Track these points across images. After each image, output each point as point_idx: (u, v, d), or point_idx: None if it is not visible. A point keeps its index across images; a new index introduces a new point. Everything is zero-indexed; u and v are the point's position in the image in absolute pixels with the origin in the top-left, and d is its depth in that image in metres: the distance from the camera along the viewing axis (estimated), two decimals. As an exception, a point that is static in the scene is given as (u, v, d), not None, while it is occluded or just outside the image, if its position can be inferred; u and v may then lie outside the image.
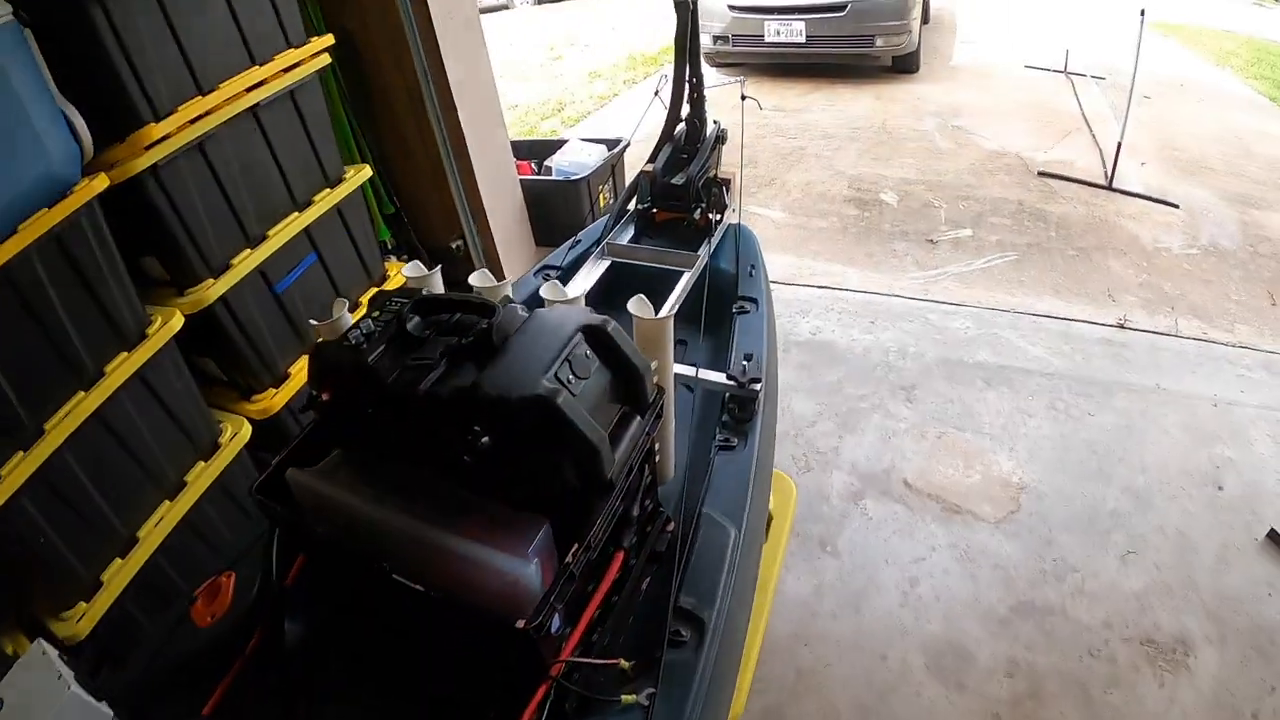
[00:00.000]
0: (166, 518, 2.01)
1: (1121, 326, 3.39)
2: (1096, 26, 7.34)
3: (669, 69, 2.12)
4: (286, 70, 2.31)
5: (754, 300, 1.92)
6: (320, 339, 1.22)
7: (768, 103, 6.37)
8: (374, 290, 2.82)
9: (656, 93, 2.22)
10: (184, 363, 2.10)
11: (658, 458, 1.29)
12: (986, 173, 4.85)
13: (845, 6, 6.26)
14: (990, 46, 8.20)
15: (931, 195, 4.53)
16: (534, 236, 3.93)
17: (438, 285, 1.42)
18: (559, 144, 4.21)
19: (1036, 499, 2.62)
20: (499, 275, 3.70)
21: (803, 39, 6.42)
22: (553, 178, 3.91)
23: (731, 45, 6.73)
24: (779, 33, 6.45)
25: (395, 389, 1.04)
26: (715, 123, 2.31)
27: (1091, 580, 2.36)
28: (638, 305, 1.27)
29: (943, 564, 2.44)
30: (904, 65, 6.86)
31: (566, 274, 2.07)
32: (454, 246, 3.49)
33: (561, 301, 1.29)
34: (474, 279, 1.41)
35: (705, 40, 6.78)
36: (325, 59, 2.47)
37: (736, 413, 1.61)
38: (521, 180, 3.80)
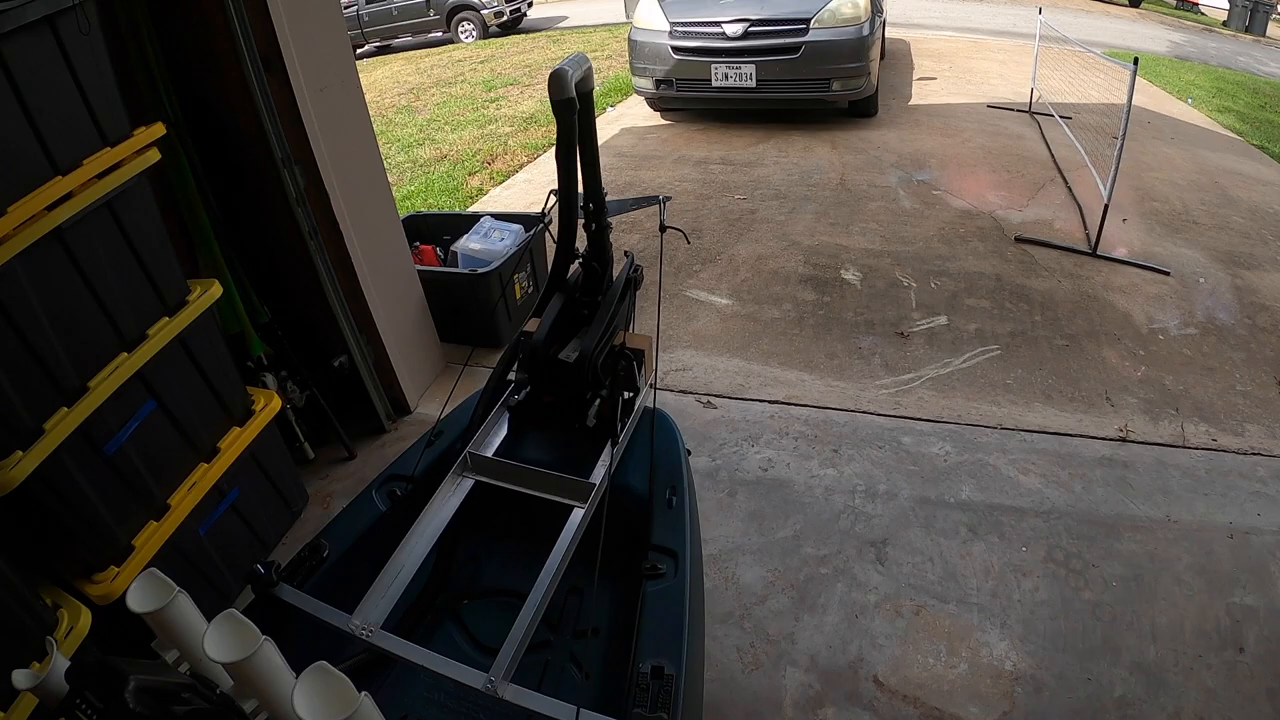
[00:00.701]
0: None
1: (1123, 440, 2.89)
2: (1053, 58, 7.01)
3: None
4: (101, 176, 1.83)
5: (673, 555, 1.34)
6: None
7: (715, 154, 5.87)
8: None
9: (544, 220, 1.66)
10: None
11: None
12: (958, 239, 4.35)
13: (799, 48, 5.81)
14: (950, 83, 7.85)
15: (899, 271, 4.01)
16: (438, 331, 3.34)
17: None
18: (471, 221, 3.63)
19: (1034, 691, 2.09)
20: (392, 390, 3.13)
21: (753, 83, 5.95)
22: (457, 269, 3.33)
23: (676, 90, 6.24)
24: (727, 77, 5.96)
25: None
26: (626, 255, 1.75)
27: (1101, 798, 1.84)
28: None
29: (925, 794, 1.90)
30: (862, 109, 6.43)
31: (420, 488, 1.49)
32: (337, 364, 2.88)
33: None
34: (210, 643, 0.85)
35: (647, 84, 6.30)
36: (153, 156, 1.99)
37: None
38: (421, 271, 3.21)
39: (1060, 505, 2.59)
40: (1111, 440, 2.88)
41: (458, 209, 5.27)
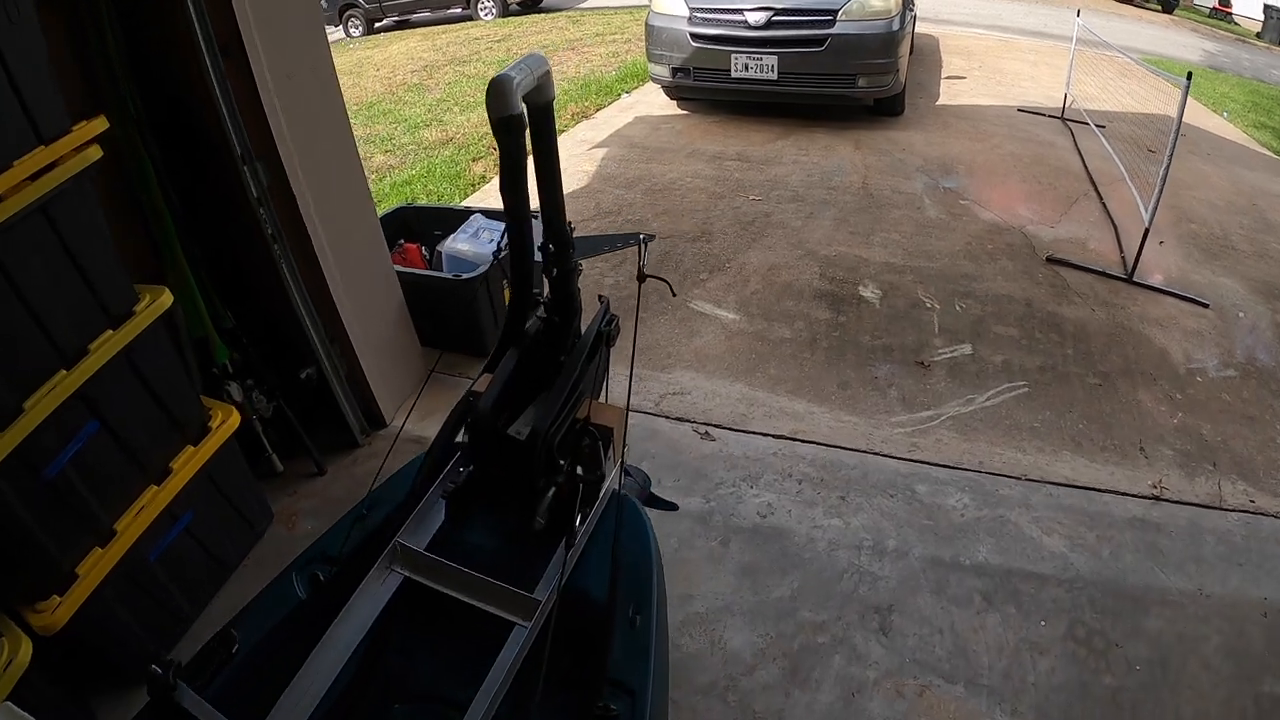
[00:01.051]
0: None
1: (1157, 498, 2.64)
2: (1087, 63, 6.69)
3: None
4: (35, 177, 1.66)
5: (630, 694, 1.10)
6: None
7: (731, 149, 5.59)
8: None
9: (497, 257, 1.41)
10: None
11: None
12: (986, 256, 4.08)
13: (825, 41, 5.51)
14: (979, 83, 7.52)
15: (921, 290, 3.73)
16: (422, 336, 3.09)
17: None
18: (462, 217, 3.38)
19: (1041, 795, 1.88)
20: (366, 402, 2.90)
21: (774, 76, 5.65)
22: (440, 274, 3.08)
23: (693, 79, 5.95)
24: (748, 68, 5.67)
25: None
26: (600, 300, 1.49)
27: None
28: None
29: None
30: (888, 107, 6.12)
31: (344, 573, 1.27)
32: (304, 376, 2.65)
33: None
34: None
35: (663, 71, 6.01)
36: (94, 153, 1.80)
37: None
38: (401, 274, 2.96)
39: (1085, 573, 2.35)
40: (1144, 499, 2.63)
41: (457, 198, 5.03)
